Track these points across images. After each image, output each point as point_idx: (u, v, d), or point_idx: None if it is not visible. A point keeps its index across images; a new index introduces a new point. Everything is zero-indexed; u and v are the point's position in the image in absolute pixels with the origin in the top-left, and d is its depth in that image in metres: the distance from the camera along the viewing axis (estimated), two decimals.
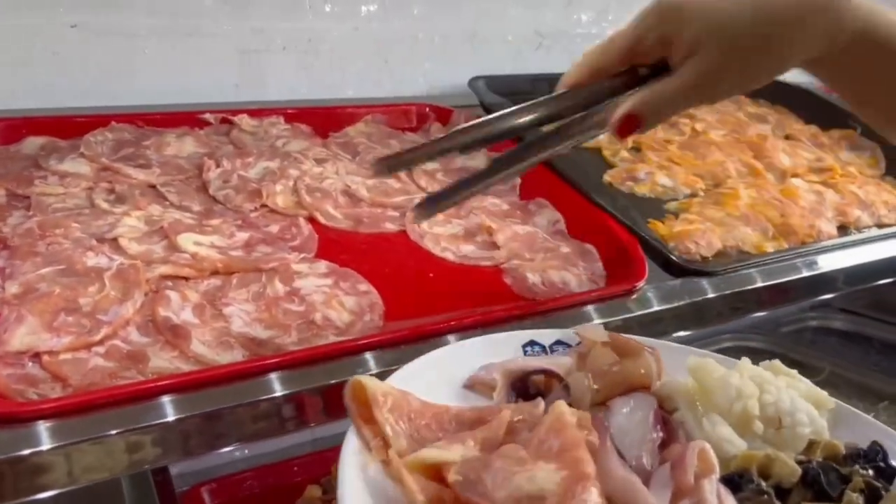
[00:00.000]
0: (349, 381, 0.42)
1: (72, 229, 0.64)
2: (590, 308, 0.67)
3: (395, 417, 0.42)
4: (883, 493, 0.43)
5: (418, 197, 0.80)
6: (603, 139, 1.01)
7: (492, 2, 1.10)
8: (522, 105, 0.57)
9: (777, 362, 0.56)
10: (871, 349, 1.49)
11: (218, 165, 0.77)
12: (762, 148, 1.07)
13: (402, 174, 0.85)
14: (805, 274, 0.79)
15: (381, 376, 0.46)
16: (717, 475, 0.41)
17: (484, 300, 0.66)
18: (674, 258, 0.75)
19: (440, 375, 0.49)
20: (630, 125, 0.55)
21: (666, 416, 0.48)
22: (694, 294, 0.71)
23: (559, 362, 0.52)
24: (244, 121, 0.89)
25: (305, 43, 0.99)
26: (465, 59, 1.10)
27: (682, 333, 0.73)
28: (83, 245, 0.62)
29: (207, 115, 0.88)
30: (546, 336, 0.55)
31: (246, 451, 1.04)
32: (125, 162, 0.76)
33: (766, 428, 0.48)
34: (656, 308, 0.69)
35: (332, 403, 0.52)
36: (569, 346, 0.54)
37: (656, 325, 0.70)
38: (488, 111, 0.97)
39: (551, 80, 1.12)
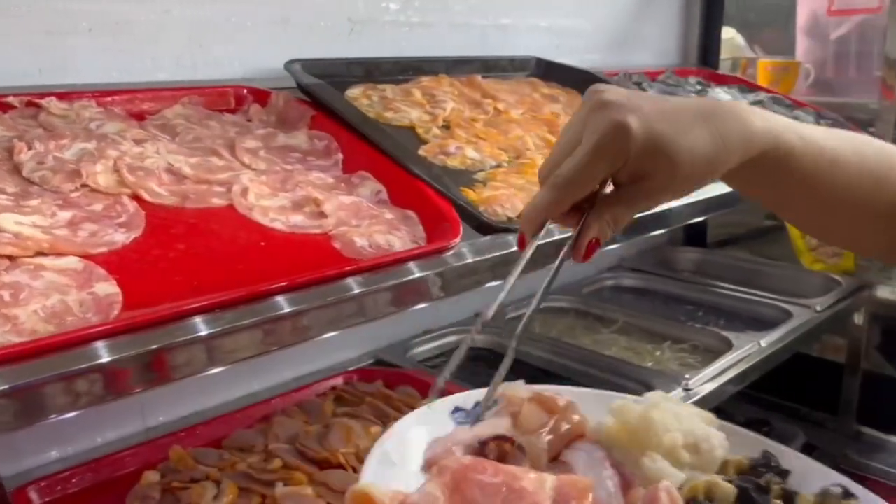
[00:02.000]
0: (350, 492, 0.43)
1: None
2: (412, 264, 0.74)
3: None
4: (794, 496, 0.49)
5: (243, 174, 0.83)
6: (415, 118, 1.09)
7: None
8: None
9: (660, 393, 0.58)
10: (656, 300, 1.71)
11: (30, 147, 0.75)
12: (555, 124, 1.20)
13: (226, 151, 0.87)
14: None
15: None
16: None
17: (316, 264, 0.71)
18: (483, 219, 0.84)
19: (398, 464, 0.49)
20: (592, 250, 0.60)
21: (614, 460, 0.51)
22: (502, 248, 0.81)
23: (501, 425, 0.54)
24: (53, 104, 0.86)
25: (112, 25, 0.97)
26: (279, 43, 1.13)
27: (494, 284, 0.83)
28: None
29: (11, 99, 0.84)
30: (468, 399, 0.56)
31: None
32: None
33: (690, 455, 0.52)
34: (471, 261, 0.78)
35: None
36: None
37: (472, 276, 0.79)
38: (305, 92, 1.02)
39: (366, 64, 1.19)
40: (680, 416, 0.53)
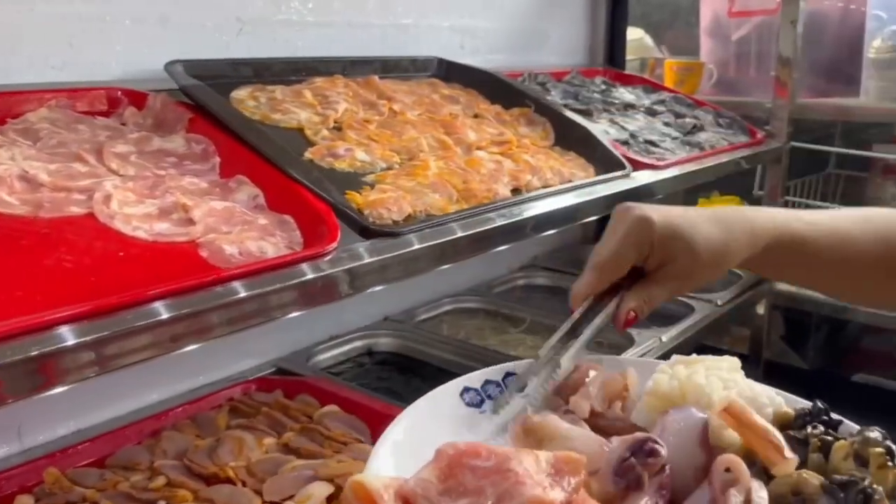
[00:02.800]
0: (347, 483, 0.45)
1: None
2: (287, 271, 0.71)
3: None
4: (831, 444, 0.52)
5: (108, 180, 0.78)
6: (304, 120, 1.06)
7: None
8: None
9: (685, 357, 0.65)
10: (566, 298, 1.72)
11: None
12: (453, 125, 1.20)
13: (92, 157, 0.82)
14: (479, 229, 0.90)
15: None
16: (744, 484, 0.46)
17: (179, 273, 0.68)
18: (364, 222, 0.82)
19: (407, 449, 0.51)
20: (631, 321, 0.72)
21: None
22: (383, 252, 0.79)
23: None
24: None
25: None
26: (161, 43, 1.08)
27: (377, 288, 0.81)
28: None
29: None
30: (475, 379, 0.61)
31: None
32: None
33: None
34: (350, 266, 0.76)
35: None
36: (497, 384, 0.62)
37: (355, 281, 0.77)
38: (187, 94, 0.98)
39: (254, 64, 1.16)
40: (726, 380, 0.57)
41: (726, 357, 0.61)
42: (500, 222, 0.93)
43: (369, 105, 1.17)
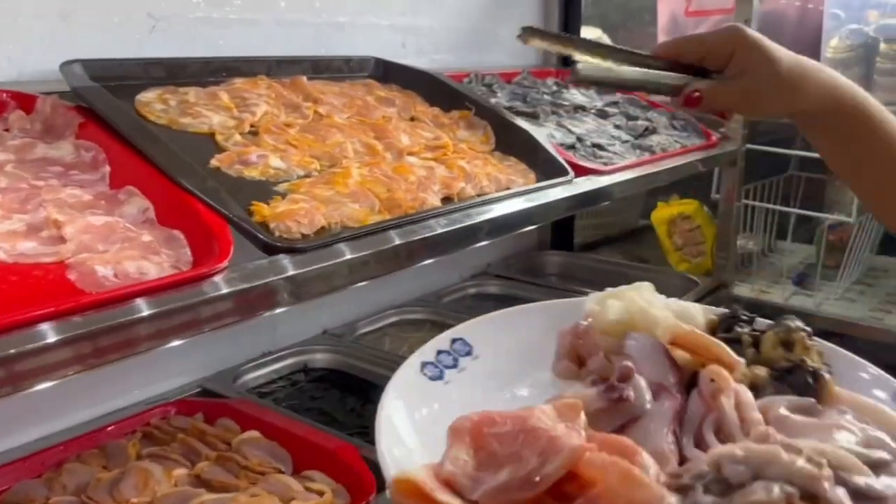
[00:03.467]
0: (393, 481, 0.44)
1: None
2: (166, 295, 0.64)
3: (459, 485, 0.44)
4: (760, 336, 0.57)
5: None
6: (216, 124, 0.98)
7: None
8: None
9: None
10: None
11: None
12: (384, 129, 1.12)
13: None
14: (397, 242, 0.83)
15: None
16: (732, 388, 0.49)
17: (39, 300, 0.60)
18: (263, 237, 0.74)
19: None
20: (693, 101, 0.78)
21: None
22: (280, 271, 0.72)
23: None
24: None
25: None
26: (61, 41, 1.00)
27: (278, 311, 0.73)
28: None
29: None
30: (428, 352, 0.61)
31: None
32: None
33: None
34: (241, 287, 0.68)
35: None
36: (448, 352, 0.62)
37: (249, 304, 0.69)
38: (80, 98, 0.89)
39: (167, 65, 1.08)
40: (651, 299, 0.62)
41: (640, 283, 0.64)
42: (424, 234, 0.86)
43: (293, 108, 1.09)
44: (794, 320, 0.58)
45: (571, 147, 1.33)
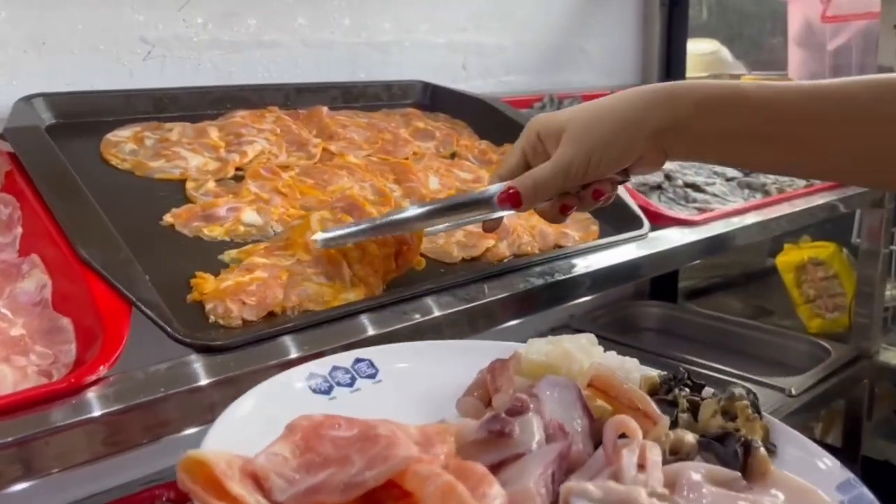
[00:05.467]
0: (180, 462, 0.38)
1: None
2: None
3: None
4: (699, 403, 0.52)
5: None
6: (193, 167, 0.82)
7: (62, 4, 0.88)
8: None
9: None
10: None
11: None
12: (409, 170, 0.92)
13: None
14: (370, 333, 0.62)
15: None
16: (638, 441, 0.44)
17: None
18: (170, 330, 0.55)
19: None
20: (511, 198, 0.66)
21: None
22: (184, 381, 0.52)
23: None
24: None
25: None
26: (35, 72, 0.87)
27: (189, 432, 0.54)
28: None
29: None
30: (323, 364, 0.54)
31: None
32: None
33: None
34: (112, 408, 0.49)
35: None
36: (346, 370, 0.55)
37: (123, 434, 0.50)
38: (49, 132, 0.76)
39: (156, 97, 0.92)
40: (591, 351, 0.55)
41: (584, 335, 0.58)
42: (410, 321, 0.64)
43: (298, 145, 0.91)
44: (741, 388, 0.53)
45: (657, 188, 1.07)
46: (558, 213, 0.69)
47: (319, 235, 0.68)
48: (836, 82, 0.63)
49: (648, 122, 0.63)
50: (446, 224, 0.72)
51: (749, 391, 0.53)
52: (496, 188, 0.67)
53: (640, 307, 1.64)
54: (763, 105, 0.62)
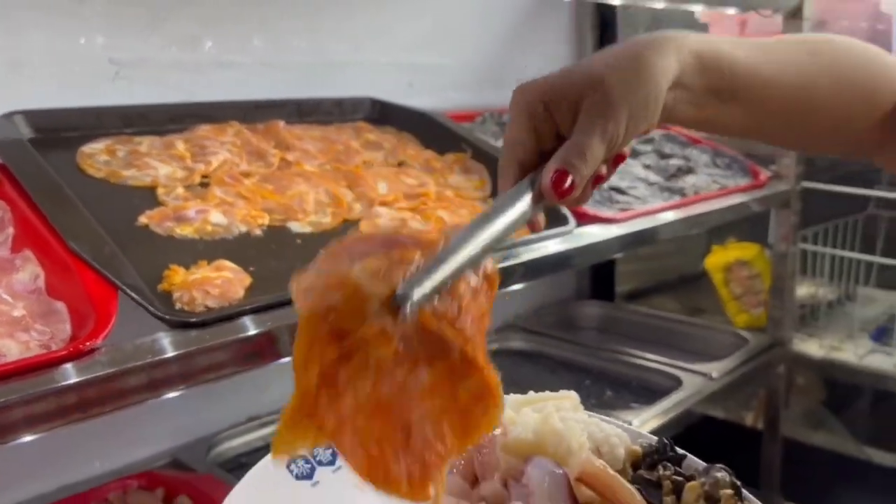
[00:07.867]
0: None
1: None
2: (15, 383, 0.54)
3: None
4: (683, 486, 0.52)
5: None
6: (162, 176, 0.90)
7: (37, 26, 0.96)
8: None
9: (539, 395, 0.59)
10: (540, 366, 1.51)
11: None
12: (360, 177, 1.02)
13: None
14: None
15: None
16: None
17: None
18: (153, 310, 0.64)
19: None
20: (562, 179, 0.51)
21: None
22: (161, 351, 0.61)
23: None
24: None
25: None
26: (13, 92, 0.94)
27: (172, 394, 0.63)
28: None
29: None
30: None
31: None
32: None
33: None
34: (106, 372, 0.58)
35: None
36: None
37: (119, 392, 0.59)
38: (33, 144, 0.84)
39: (124, 114, 1.01)
40: (575, 423, 0.54)
41: (564, 393, 0.57)
42: None
43: (258, 155, 1.01)
44: (724, 471, 0.52)
45: None
46: (589, 188, 0.55)
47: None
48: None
49: (669, 72, 0.55)
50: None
51: (730, 472, 0.53)
52: (526, 183, 0.52)
53: (581, 307, 1.76)
54: (733, 63, 0.57)
